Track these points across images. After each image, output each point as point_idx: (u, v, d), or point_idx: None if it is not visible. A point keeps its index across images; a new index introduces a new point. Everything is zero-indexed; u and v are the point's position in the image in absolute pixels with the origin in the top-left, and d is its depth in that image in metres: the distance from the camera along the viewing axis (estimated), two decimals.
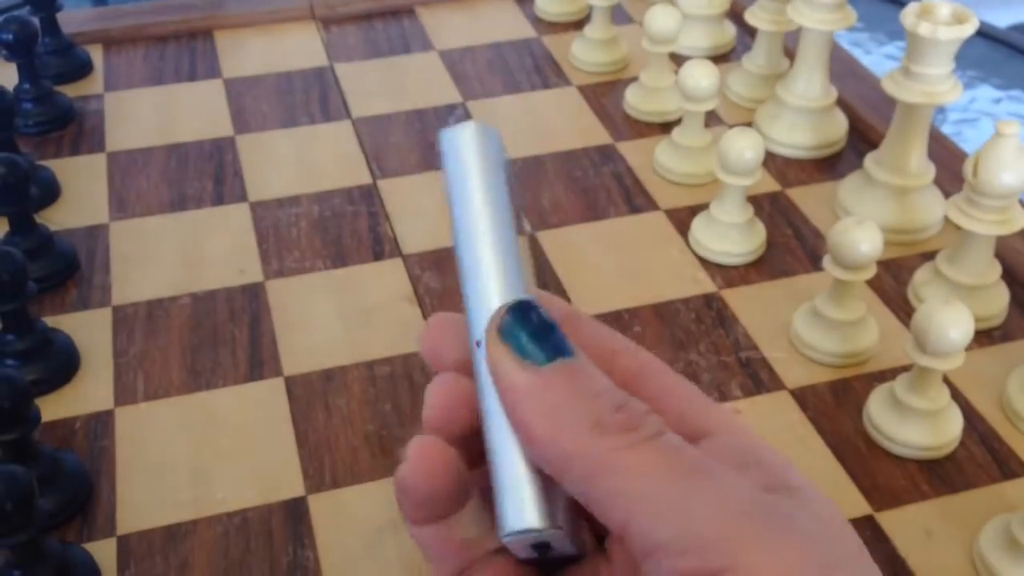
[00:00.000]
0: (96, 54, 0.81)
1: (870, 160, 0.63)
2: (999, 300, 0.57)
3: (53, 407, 0.52)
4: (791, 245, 0.63)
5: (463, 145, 0.26)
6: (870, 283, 0.58)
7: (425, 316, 0.58)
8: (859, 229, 0.51)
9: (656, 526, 0.21)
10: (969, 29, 0.56)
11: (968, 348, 0.48)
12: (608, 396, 0.23)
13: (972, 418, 0.51)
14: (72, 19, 0.83)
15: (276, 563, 0.45)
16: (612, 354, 0.26)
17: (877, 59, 0.87)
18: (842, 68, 0.75)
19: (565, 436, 0.22)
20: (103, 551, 0.46)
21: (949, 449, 0.50)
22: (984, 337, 0.56)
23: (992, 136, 0.52)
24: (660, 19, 0.69)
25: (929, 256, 0.60)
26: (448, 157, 0.26)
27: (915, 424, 0.49)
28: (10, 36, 0.69)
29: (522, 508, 0.23)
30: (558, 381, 0.22)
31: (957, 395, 0.52)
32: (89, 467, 0.49)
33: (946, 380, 0.51)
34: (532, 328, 0.23)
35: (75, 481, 0.48)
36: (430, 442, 0.24)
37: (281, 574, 0.45)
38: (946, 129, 0.80)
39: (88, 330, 0.57)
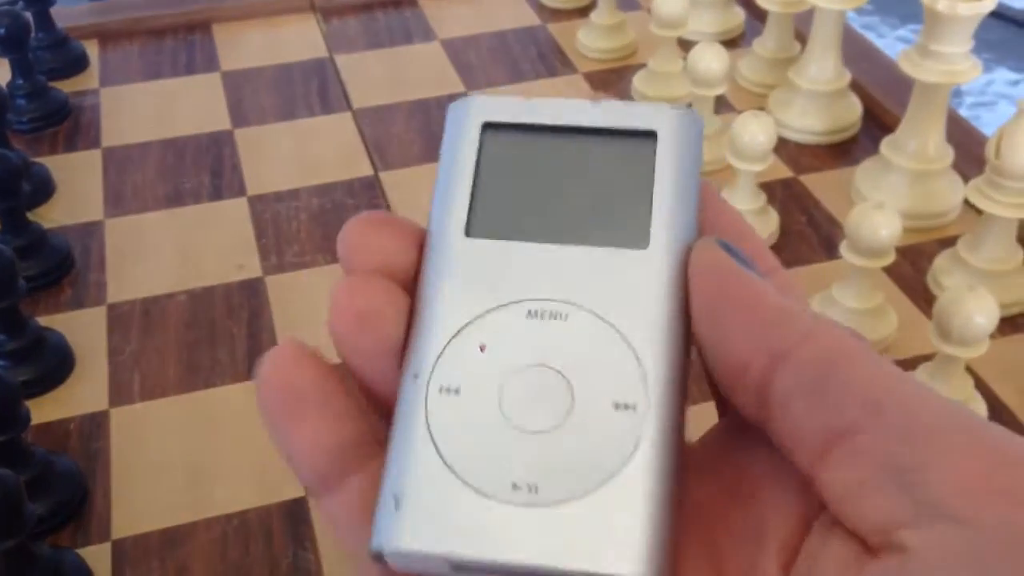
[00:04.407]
0: (92, 49, 0.79)
1: (887, 144, 0.61)
2: (1022, 286, 0.55)
3: (46, 409, 0.51)
4: (805, 233, 0.61)
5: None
6: (887, 271, 0.56)
7: None
8: (879, 213, 0.49)
9: None
10: (989, 4, 0.54)
11: (991, 336, 0.46)
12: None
13: (997, 408, 0.49)
14: (67, 14, 0.81)
15: (276, 566, 0.44)
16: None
17: (890, 42, 0.85)
18: (855, 51, 0.73)
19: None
20: (98, 556, 0.44)
21: None
22: (1007, 325, 0.54)
23: (1014, 114, 0.50)
24: (669, 3, 0.67)
25: (947, 242, 0.58)
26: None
27: None
28: (2, 30, 0.67)
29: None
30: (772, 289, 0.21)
31: (980, 384, 0.50)
32: (84, 469, 0.48)
33: (969, 369, 0.49)
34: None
35: (69, 484, 0.46)
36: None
37: None
38: (963, 113, 0.78)
39: (83, 329, 0.55)
